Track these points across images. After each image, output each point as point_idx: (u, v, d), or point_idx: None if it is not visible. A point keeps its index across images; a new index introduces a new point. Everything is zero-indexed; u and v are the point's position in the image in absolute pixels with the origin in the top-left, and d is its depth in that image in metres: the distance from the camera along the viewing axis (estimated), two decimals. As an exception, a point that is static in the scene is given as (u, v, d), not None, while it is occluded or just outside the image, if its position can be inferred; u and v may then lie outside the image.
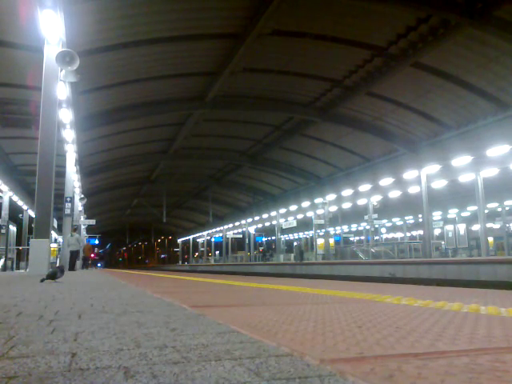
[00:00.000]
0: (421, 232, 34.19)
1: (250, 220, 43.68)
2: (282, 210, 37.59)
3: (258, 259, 43.25)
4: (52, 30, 11.13)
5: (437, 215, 36.74)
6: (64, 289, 4.88)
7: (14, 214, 27.68)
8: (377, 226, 35.14)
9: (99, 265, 78.14)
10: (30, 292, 4.34)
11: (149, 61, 18.61)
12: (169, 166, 37.15)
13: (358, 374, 1.10)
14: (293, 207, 35.92)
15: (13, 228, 24.13)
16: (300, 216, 37.62)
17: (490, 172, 21.04)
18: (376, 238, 35.11)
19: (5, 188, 24.34)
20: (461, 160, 20.62)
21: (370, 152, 28.34)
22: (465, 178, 23.10)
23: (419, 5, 14.79)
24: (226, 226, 49.69)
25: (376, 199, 29.83)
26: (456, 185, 26.34)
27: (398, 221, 43.72)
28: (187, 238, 66.06)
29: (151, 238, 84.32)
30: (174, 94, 22.77)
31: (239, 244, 53.10)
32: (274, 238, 45.97)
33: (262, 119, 27.22)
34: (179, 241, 71.04)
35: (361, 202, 30.98)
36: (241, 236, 47.50)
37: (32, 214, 23.68)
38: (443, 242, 28.36)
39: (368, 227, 31.49)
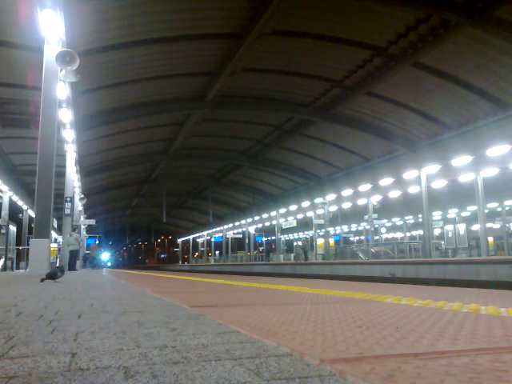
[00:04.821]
0: (421, 232, 34.19)
1: (250, 220, 43.68)
2: (282, 210, 37.58)
3: (258, 259, 43.24)
4: (52, 30, 11.12)
5: (437, 215, 36.73)
6: (64, 289, 4.88)
7: (14, 214, 27.68)
8: (377, 225, 35.12)
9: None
10: (29, 292, 4.34)
11: (149, 61, 18.61)
12: (169, 166, 37.14)
13: (358, 374, 1.10)
14: (293, 207, 35.91)
15: (13, 228, 24.12)
16: (300, 216, 37.61)
17: (490, 172, 21.02)
18: (376, 237, 35.08)
19: (5, 188, 24.33)
20: (461, 160, 20.61)
21: (369, 152, 28.34)
22: (465, 178, 23.08)
23: (419, 5, 14.80)
24: (225, 226, 49.68)
25: (376, 199, 29.80)
26: (456, 185, 26.31)
27: (397, 221, 43.71)
28: (187, 237, 66.06)
29: (151, 238, 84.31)
30: (174, 94, 22.77)
31: (239, 244, 53.10)
32: (274, 237, 45.96)
33: (262, 119, 27.21)
34: (179, 241, 71.04)
35: (361, 201, 30.96)
36: (241, 236, 47.51)
37: (32, 214, 23.68)
38: (443, 242, 28.35)
39: (368, 227, 31.48)
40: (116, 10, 14.77)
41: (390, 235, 50.80)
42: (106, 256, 76.52)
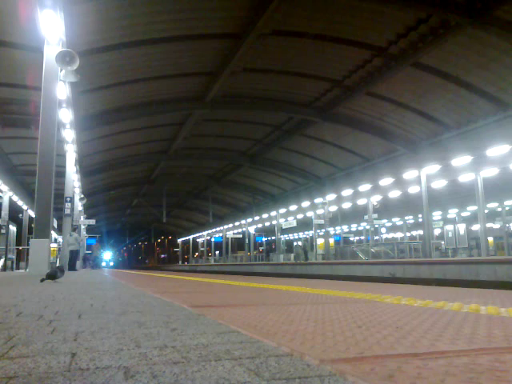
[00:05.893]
0: (421, 232, 34.20)
1: (250, 220, 43.69)
2: (282, 210, 37.59)
3: (258, 259, 43.27)
4: (52, 30, 11.13)
5: (437, 215, 36.75)
6: (64, 289, 4.88)
7: (14, 214, 27.68)
8: (377, 225, 35.14)
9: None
10: (29, 292, 4.34)
11: (149, 61, 18.61)
12: (169, 166, 37.16)
13: (358, 374, 1.10)
14: (293, 207, 35.93)
15: (13, 228, 24.12)
16: (300, 216, 37.63)
17: (490, 172, 21.04)
18: (376, 237, 35.10)
19: (5, 188, 24.34)
20: (461, 160, 20.63)
21: (369, 152, 28.35)
22: (465, 178, 23.11)
23: (419, 5, 14.80)
24: (225, 226, 49.70)
25: (376, 199, 29.83)
26: (456, 185, 26.34)
27: (398, 221, 43.73)
28: (187, 237, 66.08)
29: (151, 238, 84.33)
30: (174, 94, 22.76)
31: (239, 244, 53.11)
32: (274, 237, 45.99)
33: (262, 119, 27.22)
34: (179, 241, 71.08)
35: (361, 202, 30.99)
36: (241, 236, 47.53)
37: (32, 214, 23.68)
38: (443, 242, 28.36)
39: (368, 227, 31.49)
40: (116, 10, 14.76)
41: (390, 235, 50.83)
42: (108, 255, 76.84)
